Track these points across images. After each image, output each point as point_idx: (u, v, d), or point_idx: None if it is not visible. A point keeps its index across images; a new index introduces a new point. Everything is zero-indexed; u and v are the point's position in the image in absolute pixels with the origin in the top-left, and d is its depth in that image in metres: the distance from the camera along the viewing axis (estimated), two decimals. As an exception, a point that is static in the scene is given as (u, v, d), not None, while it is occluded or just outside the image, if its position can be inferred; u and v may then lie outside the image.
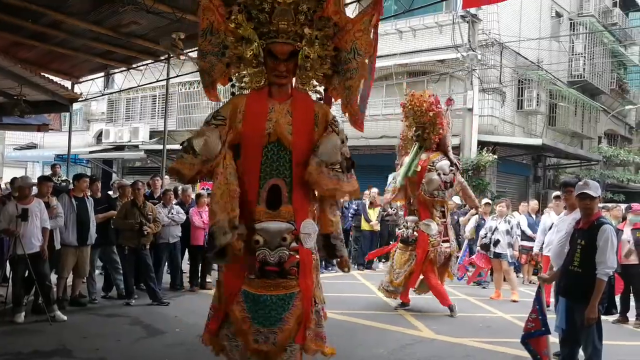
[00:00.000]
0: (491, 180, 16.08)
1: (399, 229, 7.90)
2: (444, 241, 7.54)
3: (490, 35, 16.12)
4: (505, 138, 16.73)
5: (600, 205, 11.52)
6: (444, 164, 7.45)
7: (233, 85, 3.96)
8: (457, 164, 7.76)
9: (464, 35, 15.59)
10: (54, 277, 7.02)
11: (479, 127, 15.78)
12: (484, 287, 10.10)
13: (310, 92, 4.04)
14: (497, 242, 9.02)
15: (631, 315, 7.66)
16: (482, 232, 9.52)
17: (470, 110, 15.51)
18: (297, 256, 3.71)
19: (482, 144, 15.56)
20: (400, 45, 17.14)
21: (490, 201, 11.46)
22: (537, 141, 16.90)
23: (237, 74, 3.94)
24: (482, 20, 15.95)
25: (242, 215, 3.67)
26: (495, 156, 15.40)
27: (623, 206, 9.76)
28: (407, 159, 7.64)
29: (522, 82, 17.93)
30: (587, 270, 4.24)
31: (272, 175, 3.76)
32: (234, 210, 3.62)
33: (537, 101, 18.00)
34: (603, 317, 4.33)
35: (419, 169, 7.42)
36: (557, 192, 8.34)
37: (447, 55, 16.11)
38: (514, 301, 8.74)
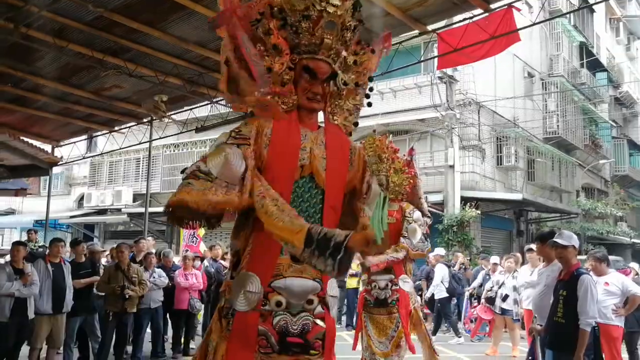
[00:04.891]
0: (475, 236, 16.13)
1: (370, 290, 6.22)
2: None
3: (467, 95, 16.62)
4: (486, 193, 16.92)
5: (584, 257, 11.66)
6: (419, 215, 6.45)
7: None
8: (429, 215, 6.75)
9: (442, 95, 16.09)
10: (26, 349, 6.71)
11: (461, 184, 16.01)
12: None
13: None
14: (506, 297, 8.91)
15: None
16: (487, 286, 9.63)
17: (452, 167, 15.81)
18: (323, 325, 2.90)
19: (464, 200, 15.72)
20: (381, 105, 17.53)
21: (497, 261, 10.63)
22: (517, 196, 17.14)
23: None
24: (458, 80, 16.52)
25: (257, 268, 2.87)
26: (479, 211, 15.54)
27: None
28: (367, 210, 6.08)
29: (500, 139, 18.36)
30: (570, 321, 4.22)
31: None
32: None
33: (516, 157, 18.39)
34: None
35: (393, 220, 6.12)
36: (529, 245, 8.41)
37: (427, 114, 16.53)
38: (514, 357, 8.63)
